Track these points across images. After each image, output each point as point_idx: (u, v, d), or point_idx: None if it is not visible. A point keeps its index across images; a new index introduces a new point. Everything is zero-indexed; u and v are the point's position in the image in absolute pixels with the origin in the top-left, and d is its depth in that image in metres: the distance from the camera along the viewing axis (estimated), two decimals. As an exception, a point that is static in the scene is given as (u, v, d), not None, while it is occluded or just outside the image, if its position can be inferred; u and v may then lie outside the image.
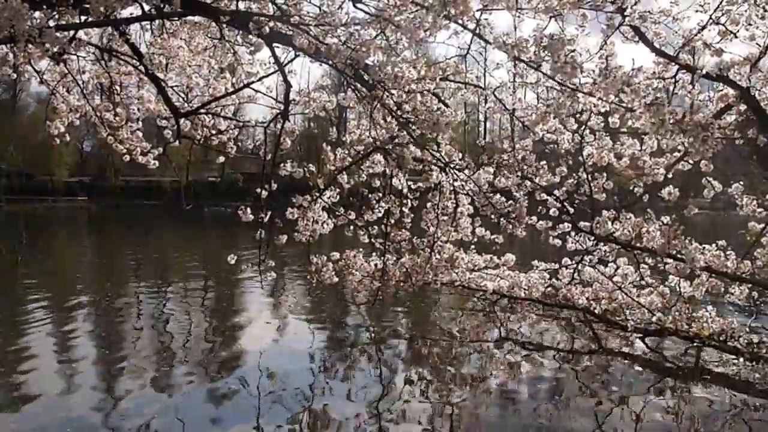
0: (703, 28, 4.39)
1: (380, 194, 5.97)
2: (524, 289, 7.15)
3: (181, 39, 5.68)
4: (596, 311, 6.45)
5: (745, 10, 4.24)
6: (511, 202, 5.60)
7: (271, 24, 4.39)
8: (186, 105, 5.94)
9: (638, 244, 5.53)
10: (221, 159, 6.67)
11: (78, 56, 5.64)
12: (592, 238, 5.75)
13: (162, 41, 5.64)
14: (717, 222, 23.65)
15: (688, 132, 4.06)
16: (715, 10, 4.30)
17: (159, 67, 5.56)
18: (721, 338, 5.90)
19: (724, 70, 4.38)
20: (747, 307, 6.46)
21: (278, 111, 5.44)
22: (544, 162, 5.65)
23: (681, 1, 4.41)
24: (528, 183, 5.60)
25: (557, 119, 5.17)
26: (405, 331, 7.38)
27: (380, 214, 5.95)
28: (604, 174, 5.62)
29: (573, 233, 5.90)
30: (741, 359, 5.65)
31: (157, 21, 5.46)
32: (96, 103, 6.04)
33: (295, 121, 6.79)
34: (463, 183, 5.78)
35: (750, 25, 4.26)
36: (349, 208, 5.98)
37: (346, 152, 5.66)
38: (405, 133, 4.92)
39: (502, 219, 5.61)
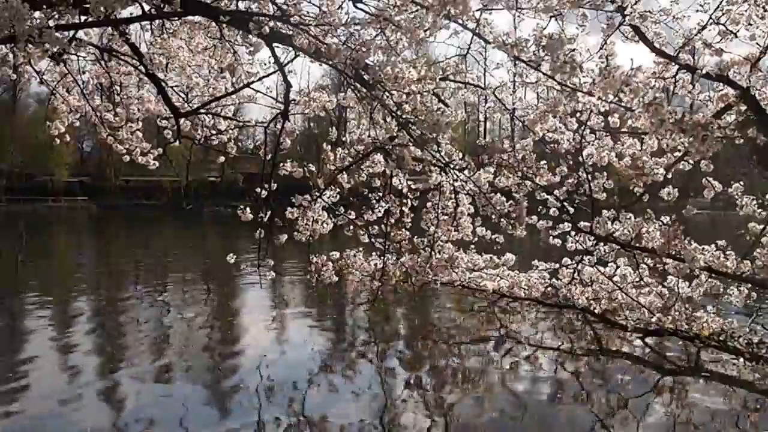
0: (703, 27, 4.38)
1: (380, 194, 5.97)
2: (524, 289, 7.14)
3: (181, 39, 5.68)
4: (596, 311, 6.45)
5: (745, 10, 4.23)
6: (511, 202, 5.59)
7: (271, 24, 4.39)
8: (186, 105, 5.94)
9: (638, 244, 5.53)
10: (221, 159, 6.68)
11: (78, 56, 5.64)
12: (592, 238, 5.74)
13: (162, 41, 5.64)
14: (717, 222, 23.63)
15: (687, 131, 4.06)
16: (715, 10, 4.30)
17: (159, 67, 5.56)
18: (721, 338, 5.90)
19: (724, 70, 4.37)
20: (746, 307, 6.45)
21: (278, 111, 5.45)
22: (544, 162, 5.65)
23: (681, 1, 4.41)
24: (528, 183, 5.59)
25: (557, 119, 5.16)
26: (405, 331, 7.38)
27: (380, 214, 5.95)
28: (604, 174, 5.61)
29: (573, 233, 5.89)
30: (741, 359, 5.65)
31: (157, 21, 5.46)
32: (96, 103, 6.04)
33: (295, 121, 6.80)
34: (464, 183, 5.78)
35: (750, 25, 4.25)
36: (349, 208, 5.97)
37: (346, 152, 5.65)
38: (405, 133, 4.92)
39: (502, 219, 5.60)
